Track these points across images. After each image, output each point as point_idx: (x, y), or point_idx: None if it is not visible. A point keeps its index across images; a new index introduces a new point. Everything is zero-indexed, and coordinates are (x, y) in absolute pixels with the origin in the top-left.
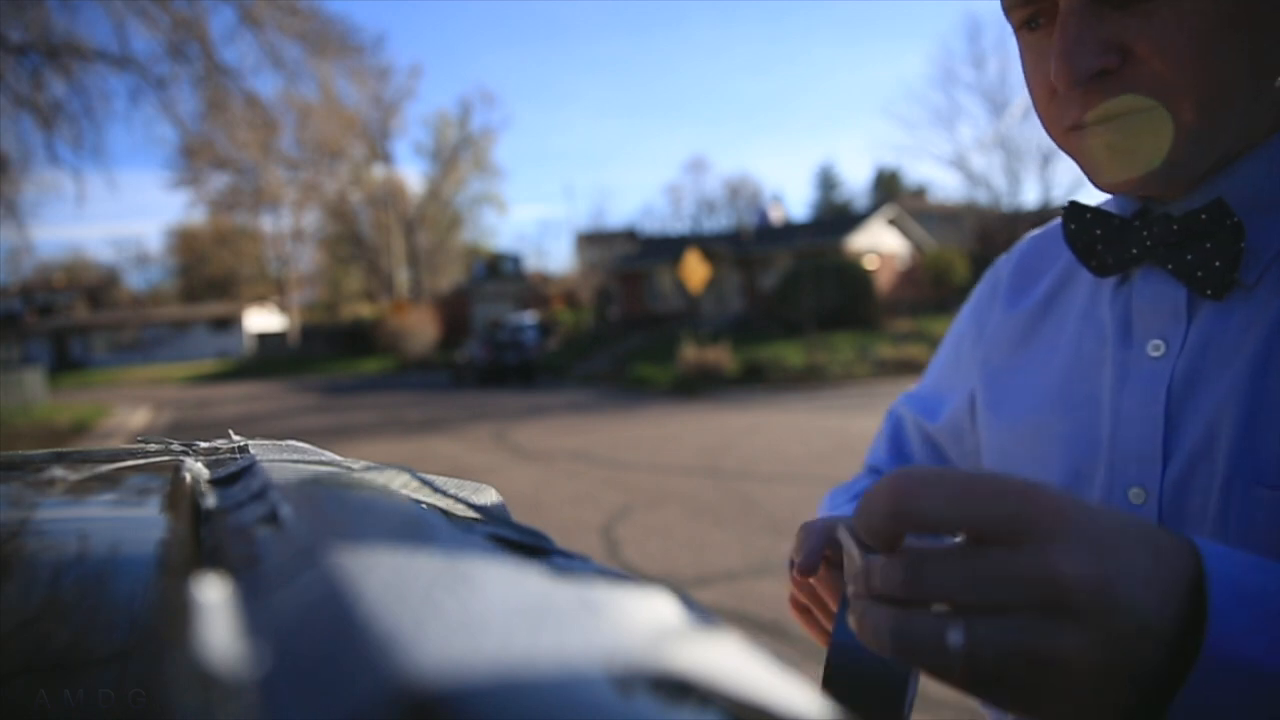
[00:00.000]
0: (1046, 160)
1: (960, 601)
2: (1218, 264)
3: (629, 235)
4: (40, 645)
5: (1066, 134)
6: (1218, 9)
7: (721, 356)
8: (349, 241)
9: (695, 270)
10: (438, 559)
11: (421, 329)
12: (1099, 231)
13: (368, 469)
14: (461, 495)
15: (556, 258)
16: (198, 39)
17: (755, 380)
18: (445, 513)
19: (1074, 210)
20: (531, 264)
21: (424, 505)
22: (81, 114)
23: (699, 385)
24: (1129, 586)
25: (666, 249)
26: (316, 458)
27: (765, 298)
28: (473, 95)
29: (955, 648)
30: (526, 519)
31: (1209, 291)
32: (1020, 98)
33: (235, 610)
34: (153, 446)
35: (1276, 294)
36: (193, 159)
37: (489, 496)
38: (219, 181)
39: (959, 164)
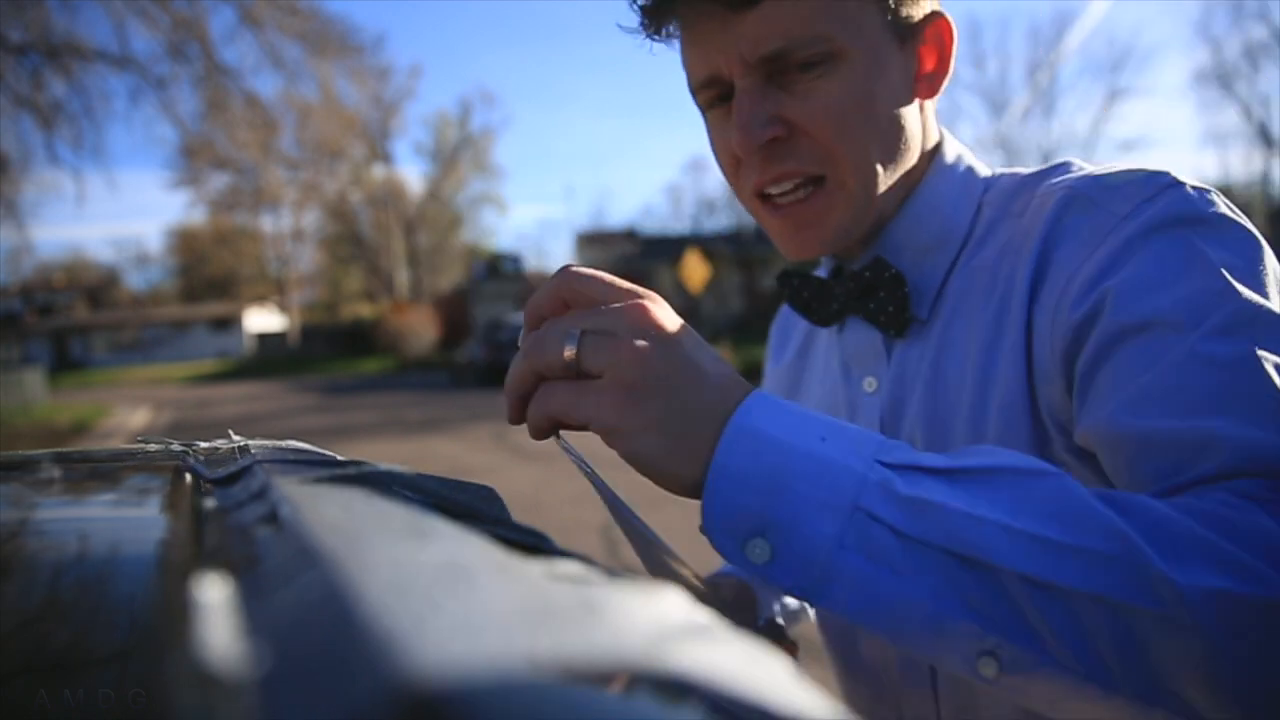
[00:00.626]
0: (1046, 160)
1: (578, 326)
2: (891, 309)
3: (629, 235)
4: (40, 645)
5: (753, 201)
6: (852, 92)
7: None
8: (349, 241)
9: (695, 270)
10: (438, 559)
11: (421, 329)
12: (806, 294)
13: (368, 469)
14: (461, 495)
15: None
16: (198, 39)
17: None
18: (445, 513)
19: (784, 278)
20: (531, 264)
21: (424, 505)
22: (81, 114)
23: None
24: (698, 345)
25: (666, 249)
26: (316, 457)
27: (765, 298)
28: (473, 95)
29: (570, 346)
30: (526, 519)
31: (892, 332)
32: (1020, 97)
33: (235, 610)
34: (153, 446)
35: (943, 324)
36: (193, 159)
37: (489, 497)
38: (219, 181)
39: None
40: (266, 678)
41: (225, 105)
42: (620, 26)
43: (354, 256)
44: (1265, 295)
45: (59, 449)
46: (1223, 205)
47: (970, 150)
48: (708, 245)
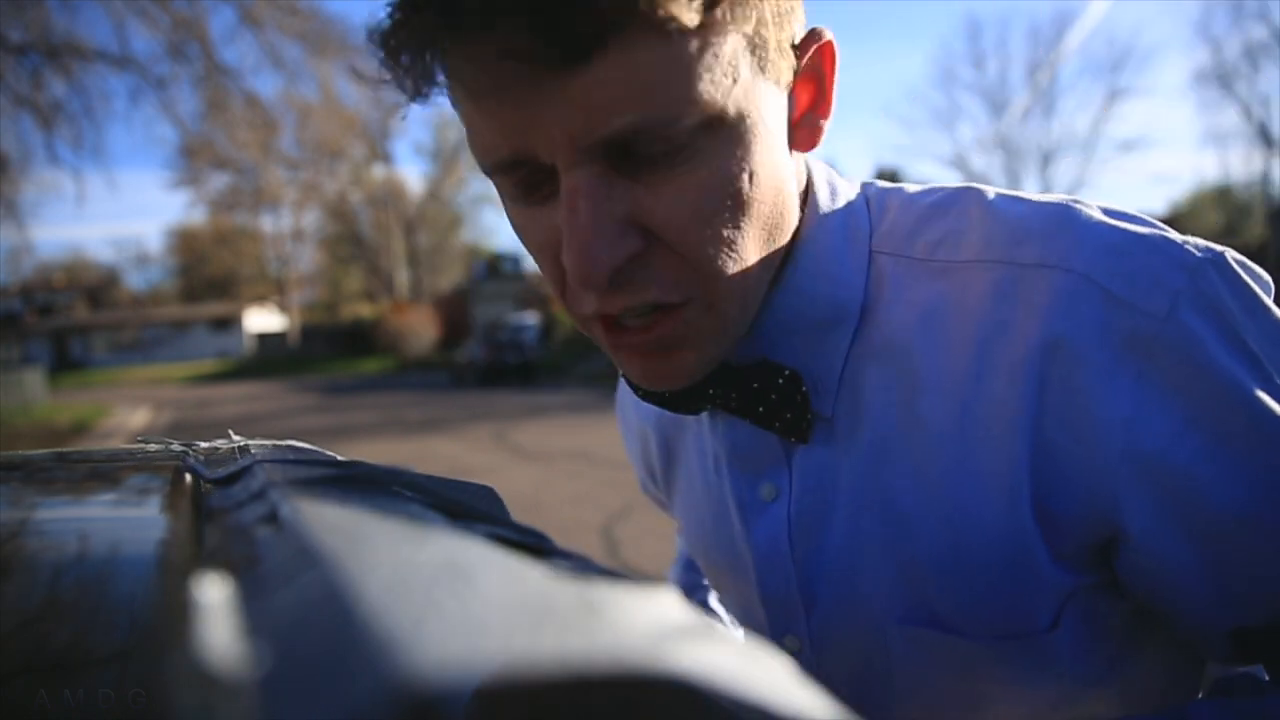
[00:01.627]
0: (1046, 160)
1: None
2: (790, 415)
3: None
4: (40, 645)
5: (588, 323)
6: (726, 178)
7: None
8: (349, 241)
9: None
10: (438, 559)
11: (421, 329)
12: (670, 398)
13: (368, 469)
14: (461, 495)
15: None
16: (198, 39)
17: None
18: (445, 513)
19: (648, 394)
20: (531, 264)
21: (424, 505)
22: (81, 114)
23: None
24: None
25: None
26: (316, 457)
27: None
28: None
29: None
30: (526, 519)
31: (793, 438)
32: (1020, 97)
33: (235, 610)
34: (153, 446)
35: (854, 417)
36: (193, 159)
37: (489, 497)
38: (219, 181)
39: (959, 164)
40: (266, 678)
41: (225, 105)
42: (355, 71)
43: (354, 256)
44: None
45: (59, 449)
46: (1241, 272)
47: (971, 150)
48: None
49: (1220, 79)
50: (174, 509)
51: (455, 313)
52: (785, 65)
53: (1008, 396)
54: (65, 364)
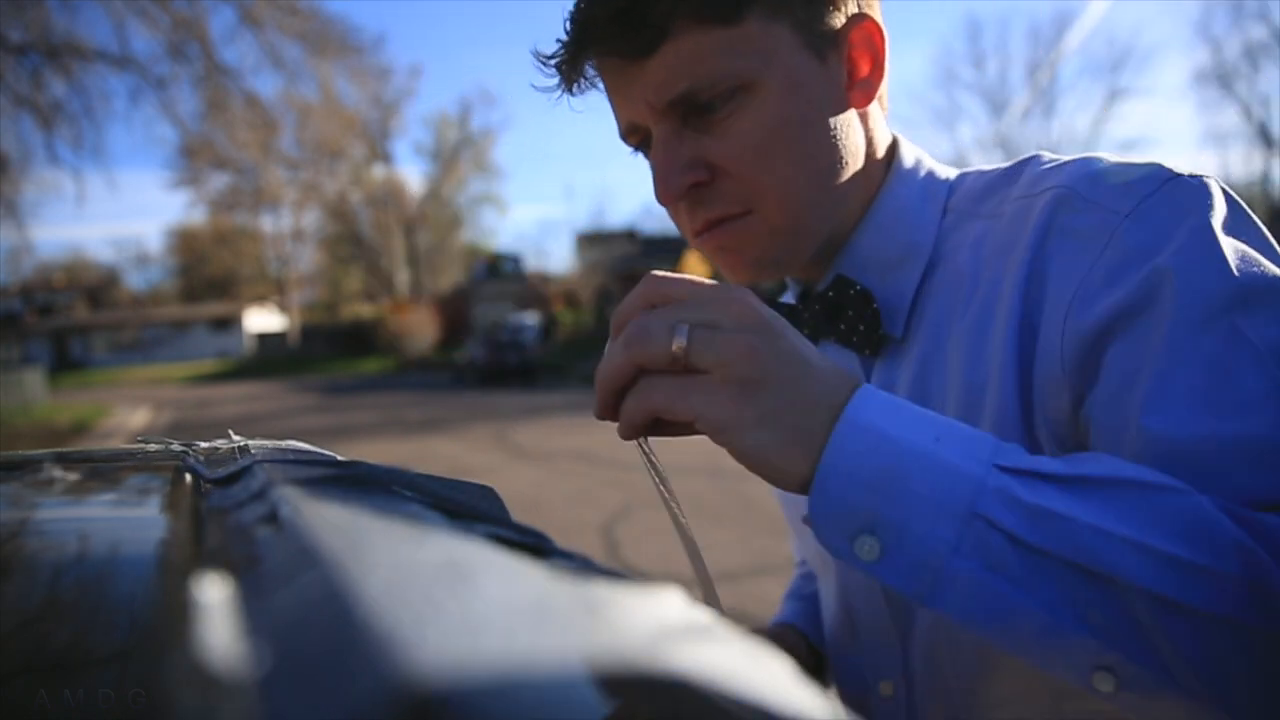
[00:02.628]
0: None
1: (681, 318)
2: (862, 328)
3: (629, 235)
4: (40, 645)
5: (693, 239)
6: (769, 123)
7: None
8: (349, 241)
9: (695, 270)
10: (438, 559)
11: (421, 329)
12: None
13: (368, 469)
14: (461, 495)
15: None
16: (198, 39)
17: None
18: (445, 513)
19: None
20: (531, 264)
21: (424, 505)
22: (81, 114)
23: None
24: (801, 340)
25: (667, 249)
26: (316, 457)
27: (766, 297)
28: (473, 95)
29: (680, 341)
30: (526, 519)
31: (867, 351)
32: (1020, 97)
33: (235, 610)
34: (153, 446)
35: (915, 340)
36: (193, 159)
37: (489, 496)
38: (219, 181)
39: (959, 164)
40: (266, 678)
41: (225, 105)
42: (535, 88)
43: (354, 256)
44: None
45: (59, 449)
46: (1220, 190)
47: (971, 150)
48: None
49: (1220, 79)
50: (174, 509)
51: (455, 313)
52: (831, 43)
53: (1008, 293)
54: (65, 364)
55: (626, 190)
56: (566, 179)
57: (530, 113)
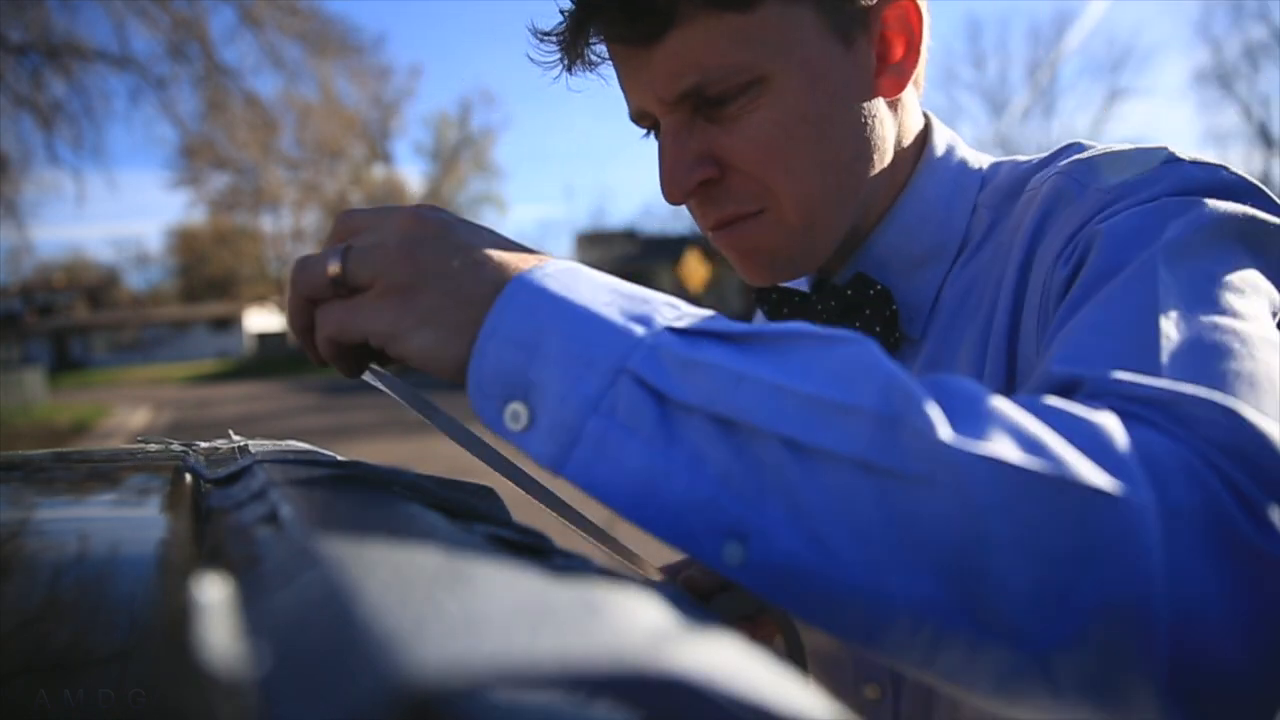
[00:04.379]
0: None
1: (348, 243)
2: (879, 328)
3: (629, 235)
4: (40, 645)
5: (709, 234)
6: (784, 117)
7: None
8: None
9: (695, 270)
10: (438, 559)
11: None
12: (786, 310)
13: (368, 469)
14: (461, 495)
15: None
16: (198, 39)
17: None
18: (445, 513)
19: (761, 294)
20: None
21: (424, 505)
22: (81, 114)
23: None
24: (475, 231)
25: (667, 249)
26: (316, 457)
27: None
28: (473, 95)
29: (334, 262)
30: (526, 519)
31: None
32: (1020, 97)
33: (235, 610)
34: (153, 446)
35: (935, 342)
36: (193, 159)
37: (489, 496)
38: (219, 181)
39: None
40: (266, 678)
41: (225, 105)
42: (532, 59)
43: None
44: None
45: (59, 449)
46: (1230, 174)
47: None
48: (708, 245)
49: (1220, 79)
50: (174, 509)
51: None
52: (860, 25)
53: (1005, 289)
54: (65, 364)
55: (626, 190)
56: (566, 179)
57: (530, 113)
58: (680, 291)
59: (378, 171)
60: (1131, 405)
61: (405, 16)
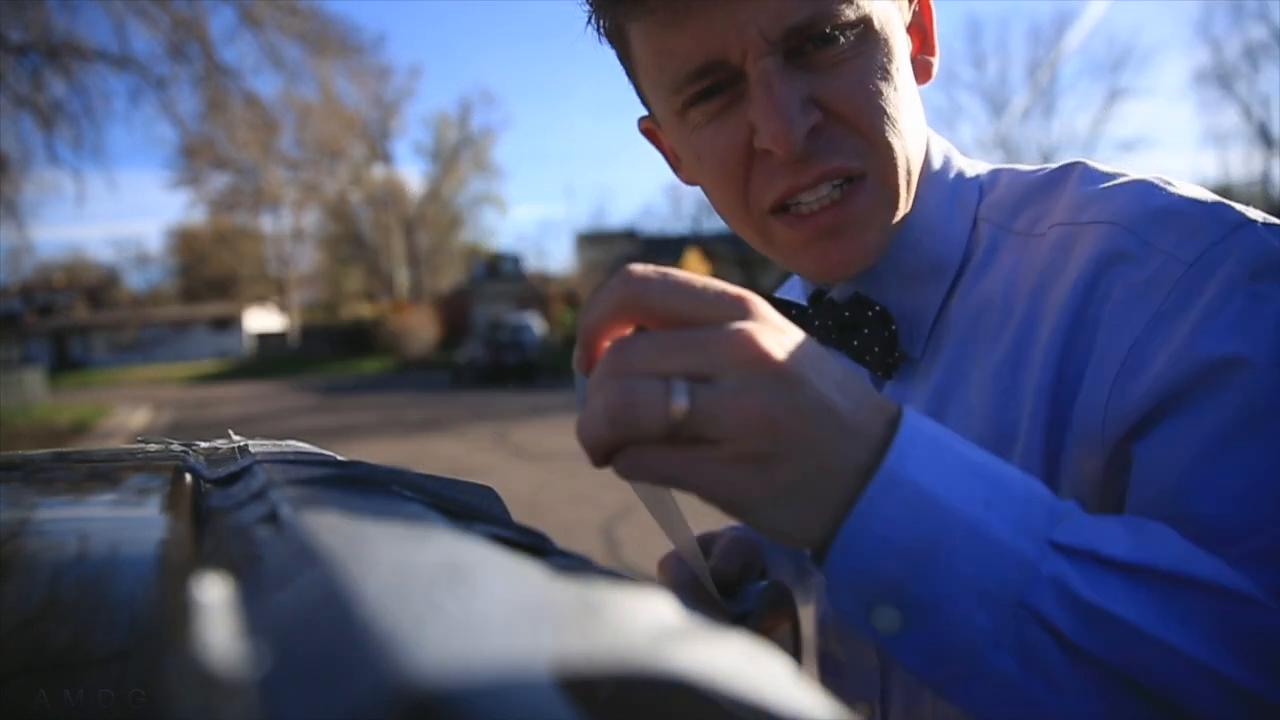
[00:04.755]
0: (1046, 160)
1: (675, 369)
2: (878, 349)
3: (629, 235)
4: (40, 645)
5: (764, 218)
6: (884, 71)
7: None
8: (349, 241)
9: (695, 270)
10: (438, 559)
11: (421, 329)
12: (793, 319)
13: (368, 469)
14: (461, 495)
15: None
16: (198, 39)
17: None
18: (445, 513)
19: (778, 305)
20: (531, 264)
21: (424, 505)
22: (81, 114)
23: None
24: (824, 372)
25: (667, 249)
26: (316, 457)
27: (766, 297)
28: (473, 95)
29: (680, 405)
30: (526, 519)
31: (879, 373)
32: (1020, 97)
33: (235, 610)
34: (153, 446)
35: (933, 362)
36: (193, 159)
37: (489, 497)
38: (219, 181)
39: None
40: (266, 678)
41: (225, 105)
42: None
43: (354, 256)
44: None
45: (59, 449)
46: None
47: (971, 150)
48: (708, 245)
49: (1220, 79)
50: (174, 509)
51: (455, 313)
52: (907, 9)
53: (1048, 336)
54: (65, 364)
55: (626, 190)
56: (566, 179)
57: (530, 113)
58: None
59: (378, 171)
60: None
61: (405, 16)
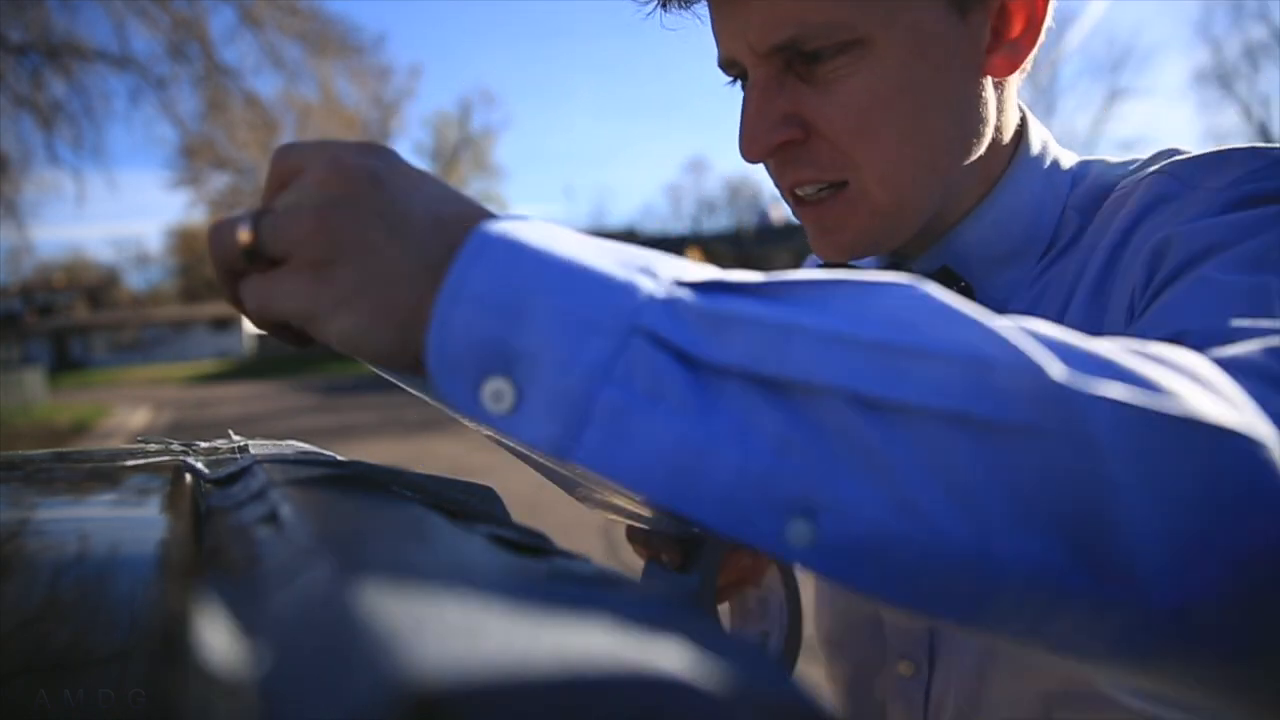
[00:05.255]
0: None
1: (266, 206)
2: None
3: (629, 235)
4: (40, 645)
5: (787, 196)
6: (880, 87)
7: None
8: None
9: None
10: (438, 559)
11: None
12: None
13: (368, 469)
14: (461, 495)
15: None
16: (198, 39)
17: None
18: (445, 513)
19: (828, 267)
20: None
21: (424, 505)
22: (81, 114)
23: None
24: (410, 185)
25: (666, 249)
26: (316, 457)
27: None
28: (473, 95)
29: (244, 228)
30: (526, 519)
31: None
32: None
33: (235, 610)
34: (153, 446)
35: None
36: (193, 159)
37: (489, 497)
38: (219, 181)
39: None
40: (266, 678)
41: (225, 105)
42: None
43: None
44: None
45: (59, 449)
46: None
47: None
48: (708, 245)
49: (1220, 79)
50: (174, 509)
51: None
52: None
53: (1091, 272)
54: (65, 364)
55: (626, 190)
56: (566, 179)
57: (530, 113)
58: None
59: None
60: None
61: (405, 16)
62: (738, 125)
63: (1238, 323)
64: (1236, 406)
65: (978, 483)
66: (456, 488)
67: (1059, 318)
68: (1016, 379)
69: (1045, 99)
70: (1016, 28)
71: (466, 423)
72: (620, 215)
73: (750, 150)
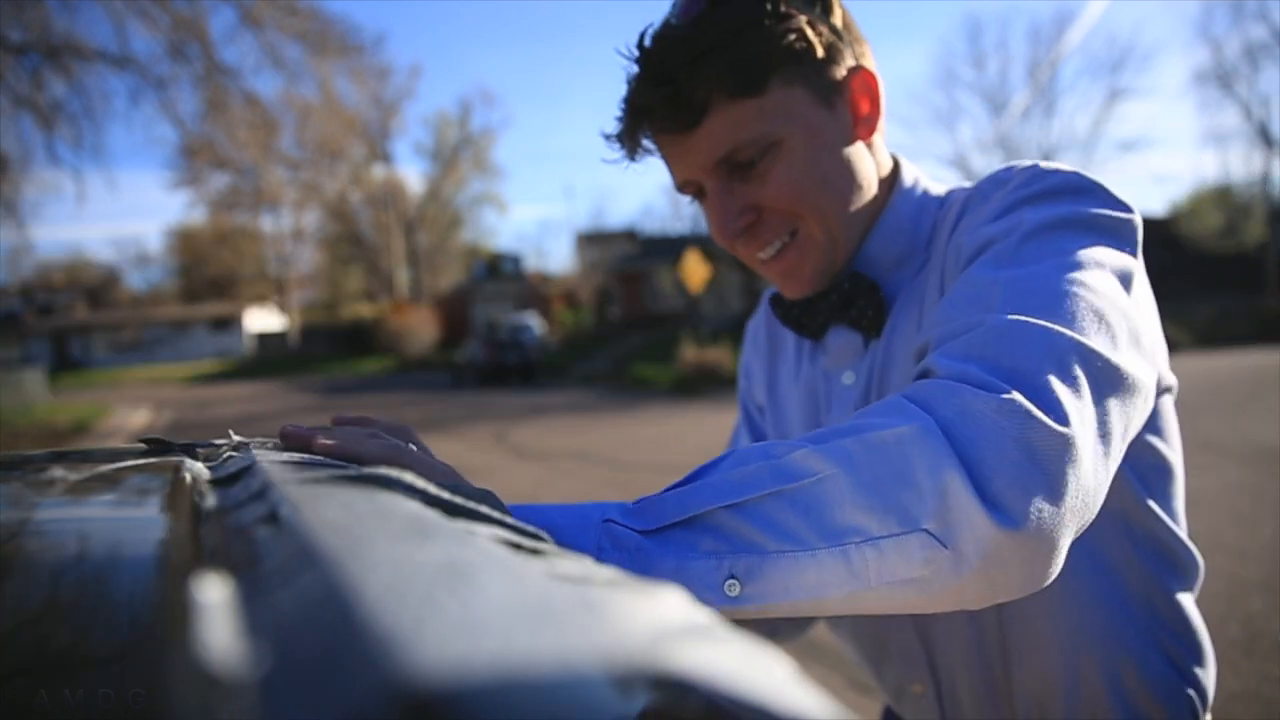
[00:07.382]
0: (1046, 160)
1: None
2: (871, 313)
3: (629, 235)
4: (40, 645)
5: (753, 263)
6: (798, 166)
7: (722, 356)
8: (349, 241)
9: (695, 270)
10: (438, 559)
11: (421, 329)
12: (795, 311)
13: (368, 469)
14: (461, 495)
15: (556, 258)
16: (198, 39)
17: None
18: (445, 513)
19: (775, 300)
20: (531, 264)
21: (424, 505)
22: (81, 114)
23: (699, 385)
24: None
25: (666, 249)
26: (316, 458)
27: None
28: (473, 95)
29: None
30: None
31: (872, 333)
32: (1020, 97)
33: (235, 610)
34: (153, 446)
35: (891, 333)
36: (193, 159)
37: (489, 497)
38: (219, 181)
39: (959, 164)
40: (266, 678)
41: (225, 105)
42: (604, 160)
43: (354, 256)
44: (1064, 249)
45: (59, 449)
46: (1088, 189)
47: (971, 150)
48: (708, 245)
49: (1220, 79)
50: (174, 509)
51: (455, 313)
52: (837, 93)
53: (934, 277)
54: (65, 364)
55: (626, 190)
56: (566, 179)
57: (530, 113)
58: (680, 291)
59: (378, 171)
60: (941, 355)
61: (405, 16)
62: (709, 224)
63: (970, 312)
64: (904, 411)
65: (800, 518)
66: (456, 488)
67: (931, 307)
68: (790, 463)
69: (1045, 99)
70: (864, 107)
71: None
72: (620, 215)
73: (724, 237)
